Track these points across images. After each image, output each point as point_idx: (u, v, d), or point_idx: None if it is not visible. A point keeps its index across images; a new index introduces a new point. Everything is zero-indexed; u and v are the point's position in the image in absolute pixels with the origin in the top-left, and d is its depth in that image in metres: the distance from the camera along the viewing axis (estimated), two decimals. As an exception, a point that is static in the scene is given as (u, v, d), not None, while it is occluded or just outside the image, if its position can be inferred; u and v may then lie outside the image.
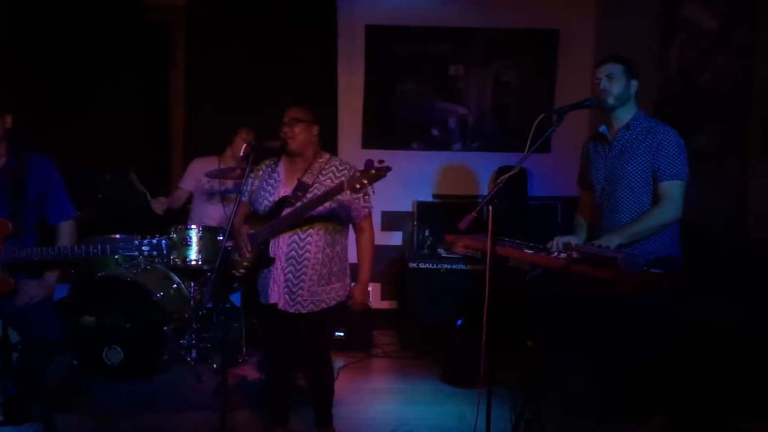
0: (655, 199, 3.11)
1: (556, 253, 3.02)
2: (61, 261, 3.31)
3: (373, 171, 2.81)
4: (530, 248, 3.15)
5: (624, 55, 3.28)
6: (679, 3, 4.41)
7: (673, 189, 3.07)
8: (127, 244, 3.08)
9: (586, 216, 3.47)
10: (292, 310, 3.22)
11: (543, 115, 2.99)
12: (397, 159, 5.60)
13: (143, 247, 3.04)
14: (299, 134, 3.22)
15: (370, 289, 3.47)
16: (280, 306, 3.22)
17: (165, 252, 3.11)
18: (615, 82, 3.16)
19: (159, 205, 4.89)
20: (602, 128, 3.29)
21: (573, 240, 3.13)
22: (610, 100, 3.17)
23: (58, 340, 3.17)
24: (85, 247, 3.06)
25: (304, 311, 3.22)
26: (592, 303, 3.10)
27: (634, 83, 3.20)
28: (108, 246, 3.05)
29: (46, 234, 3.28)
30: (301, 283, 3.20)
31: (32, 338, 3.14)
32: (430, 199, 5.76)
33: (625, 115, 3.21)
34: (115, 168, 4.88)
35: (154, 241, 3.06)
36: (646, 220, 3.08)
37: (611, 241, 3.00)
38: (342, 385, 4.15)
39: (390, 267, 5.76)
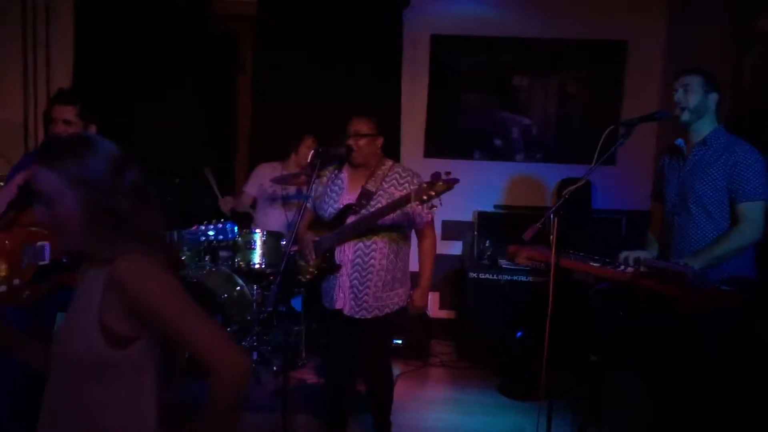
0: (734, 220, 2.98)
1: (623, 267, 2.96)
2: None
3: (441, 183, 2.83)
4: (595, 261, 3.10)
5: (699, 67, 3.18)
6: (753, 14, 4.29)
7: (753, 210, 2.94)
8: (194, 229, 3.11)
9: (656, 232, 3.38)
10: (357, 316, 3.26)
11: (612, 126, 2.94)
12: (458, 168, 5.56)
13: (209, 232, 3.09)
14: (363, 147, 3.26)
15: (429, 296, 3.46)
16: (346, 312, 3.26)
17: (231, 236, 3.12)
18: (691, 95, 3.04)
19: (225, 204, 5.01)
20: (679, 141, 3.18)
21: (643, 255, 3.05)
22: (684, 115, 3.06)
23: None
24: None
25: (369, 317, 3.26)
26: (657, 318, 3.03)
27: (713, 96, 3.07)
28: (175, 232, 3.12)
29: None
30: (367, 290, 3.23)
31: None
32: (491, 209, 5.73)
33: (702, 129, 3.08)
34: (184, 172, 5.02)
35: (219, 225, 3.11)
36: (725, 243, 2.95)
37: (692, 263, 2.91)
38: (399, 393, 4.15)
39: (449, 276, 5.75)
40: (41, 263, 3.14)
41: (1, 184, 3.77)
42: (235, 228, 3.14)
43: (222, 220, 3.13)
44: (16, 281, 3.12)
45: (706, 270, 2.83)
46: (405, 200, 2.98)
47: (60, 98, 3.26)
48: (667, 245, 3.21)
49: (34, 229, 3.15)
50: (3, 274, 3.14)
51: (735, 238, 2.96)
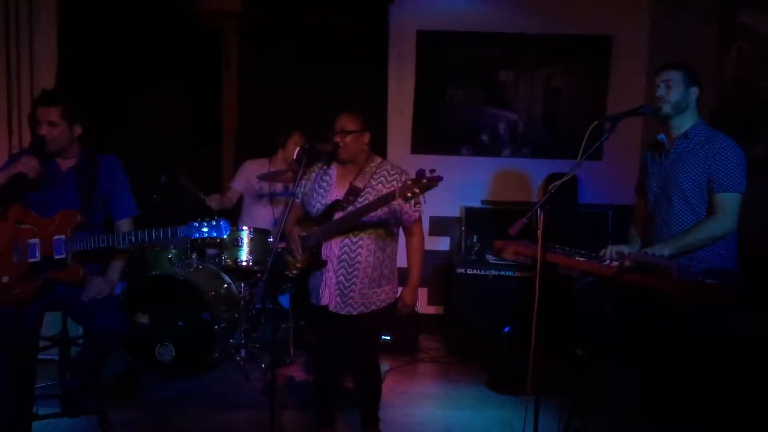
0: (710, 210, 3.02)
1: (608, 261, 2.98)
2: (124, 253, 3.43)
3: (425, 180, 2.82)
4: (581, 256, 3.11)
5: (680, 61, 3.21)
6: (737, 9, 4.32)
7: (728, 201, 2.97)
8: (188, 226, 3.12)
9: (639, 227, 3.41)
10: (343, 312, 3.26)
11: (597, 121, 2.95)
12: (445, 164, 5.68)
13: (203, 229, 3.10)
14: (350, 144, 3.25)
15: (418, 292, 3.46)
16: (332, 308, 3.26)
17: (225, 233, 3.11)
18: (672, 90, 3.07)
19: (213, 202, 4.99)
20: (660, 136, 3.21)
21: (626, 249, 3.07)
22: (666, 108, 3.10)
23: (120, 330, 3.28)
24: (149, 231, 3.14)
25: (355, 313, 3.26)
26: (643, 312, 3.05)
27: (694, 90, 3.10)
28: (170, 229, 3.12)
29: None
30: (353, 286, 3.23)
31: (96, 329, 3.25)
32: (478, 204, 5.76)
33: (683, 123, 3.12)
34: (169, 169, 4.99)
35: (213, 222, 3.11)
36: (698, 231, 3.00)
37: (662, 250, 2.94)
38: (388, 389, 4.17)
39: (437, 272, 5.76)
40: (31, 260, 3.13)
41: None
42: (228, 225, 3.14)
43: (216, 217, 3.13)
44: (5, 279, 3.11)
45: (690, 264, 2.86)
46: (390, 197, 2.98)
47: (43, 100, 3.26)
48: (650, 237, 3.24)
49: (22, 226, 3.15)
50: None
51: (708, 227, 2.99)
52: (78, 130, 3.29)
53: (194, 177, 5.02)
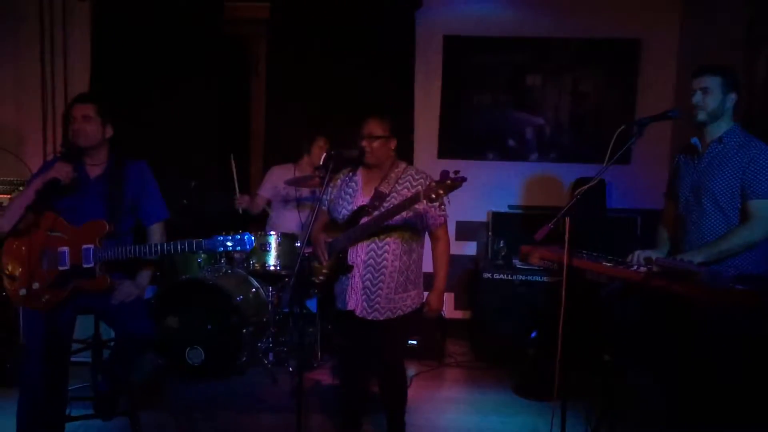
0: (743, 216, 2.97)
1: (635, 267, 2.96)
2: (153, 262, 3.48)
3: (449, 181, 2.83)
4: (609, 261, 3.09)
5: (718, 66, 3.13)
6: (767, 10, 4.27)
7: (763, 208, 2.92)
8: (212, 239, 3.17)
9: (667, 230, 3.38)
10: (369, 317, 3.27)
11: (624, 126, 2.93)
12: (472, 169, 5.62)
13: (227, 243, 3.14)
14: (377, 149, 3.27)
15: (444, 297, 3.46)
16: (358, 313, 3.28)
17: (248, 247, 3.15)
18: (710, 97, 3.01)
19: (241, 202, 5.05)
20: (694, 140, 3.16)
21: (654, 254, 3.04)
22: (701, 116, 3.04)
23: (149, 335, 3.33)
24: (174, 244, 3.18)
25: (381, 318, 3.27)
26: (670, 317, 3.02)
27: (732, 97, 3.03)
28: (194, 242, 3.16)
29: (139, 238, 3.46)
30: (379, 291, 3.25)
31: (125, 334, 3.30)
32: (505, 209, 5.74)
33: (718, 128, 3.06)
34: (199, 174, 5.07)
35: (238, 236, 3.15)
36: (730, 238, 2.95)
37: (694, 257, 2.90)
38: (414, 394, 4.18)
39: (463, 277, 5.76)
40: (61, 268, 3.19)
41: (21, 189, 3.84)
42: (253, 239, 3.17)
43: (240, 231, 3.17)
44: (36, 285, 3.17)
45: (720, 269, 2.82)
46: (414, 199, 2.99)
47: (79, 98, 3.35)
48: (680, 242, 3.19)
49: (53, 234, 3.21)
50: (20, 277, 3.20)
51: (742, 234, 2.94)
52: (109, 131, 3.34)
53: (223, 180, 5.10)
